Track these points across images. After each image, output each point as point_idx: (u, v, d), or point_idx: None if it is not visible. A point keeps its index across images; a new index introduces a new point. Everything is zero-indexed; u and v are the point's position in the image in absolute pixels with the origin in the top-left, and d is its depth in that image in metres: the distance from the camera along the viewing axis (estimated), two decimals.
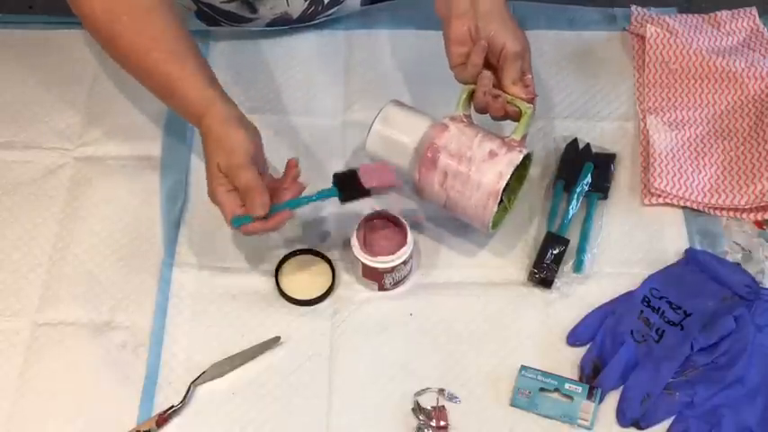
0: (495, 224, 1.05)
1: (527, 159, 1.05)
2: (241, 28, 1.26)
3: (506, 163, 1.00)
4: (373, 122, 1.06)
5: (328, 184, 1.14)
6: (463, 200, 1.02)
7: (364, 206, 1.08)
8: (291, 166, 1.01)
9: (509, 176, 0.99)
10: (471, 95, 1.04)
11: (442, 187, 1.02)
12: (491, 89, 1.02)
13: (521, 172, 1.06)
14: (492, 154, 1.00)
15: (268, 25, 1.26)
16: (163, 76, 1.01)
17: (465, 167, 1.00)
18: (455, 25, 1.04)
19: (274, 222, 0.96)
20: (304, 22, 1.26)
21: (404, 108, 1.07)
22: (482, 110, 1.04)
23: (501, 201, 1.03)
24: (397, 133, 1.05)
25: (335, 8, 1.26)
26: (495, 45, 1.02)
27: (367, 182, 1.00)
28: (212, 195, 0.97)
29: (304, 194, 1.00)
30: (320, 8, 1.25)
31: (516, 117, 1.03)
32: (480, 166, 1.00)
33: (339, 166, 1.15)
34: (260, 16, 1.25)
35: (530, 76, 1.04)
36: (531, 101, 1.03)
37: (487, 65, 1.04)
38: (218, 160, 0.96)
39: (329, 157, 1.16)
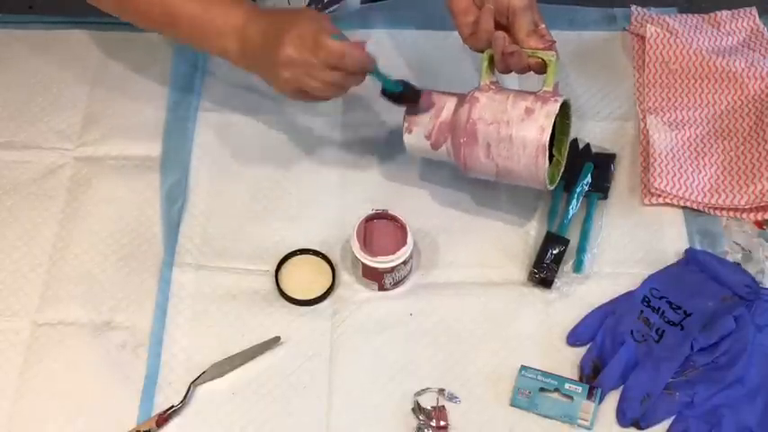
0: (552, 180, 1.05)
1: (566, 107, 1.04)
2: None
3: (545, 115, 0.99)
4: (403, 126, 1.06)
5: (327, 185, 1.14)
6: (513, 164, 1.01)
7: (364, 206, 1.08)
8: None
9: (551, 128, 0.98)
10: (492, 61, 1.04)
11: (489, 158, 1.02)
12: (507, 46, 1.01)
13: (564, 121, 1.06)
14: (528, 111, 1.00)
15: None
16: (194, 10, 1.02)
17: (505, 131, 1.00)
18: None
19: (366, 54, 0.98)
20: None
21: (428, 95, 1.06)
22: (505, 71, 1.04)
23: (552, 155, 1.03)
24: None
25: (335, 7, 1.26)
26: (500, 4, 1.02)
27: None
28: (303, 28, 0.96)
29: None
30: (320, 7, 1.25)
31: (541, 69, 1.02)
32: (519, 125, 0.99)
33: (339, 166, 1.15)
34: None
35: (543, 26, 1.03)
36: (550, 48, 1.02)
37: (499, 27, 1.03)
38: (309, 12, 0.97)
39: (329, 157, 1.16)
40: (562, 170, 1.07)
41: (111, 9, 1.08)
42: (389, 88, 1.02)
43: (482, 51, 1.04)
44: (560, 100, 1.00)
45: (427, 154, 1.07)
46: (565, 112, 1.05)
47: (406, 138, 1.06)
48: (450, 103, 1.04)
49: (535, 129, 0.99)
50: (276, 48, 0.97)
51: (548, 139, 0.98)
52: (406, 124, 1.05)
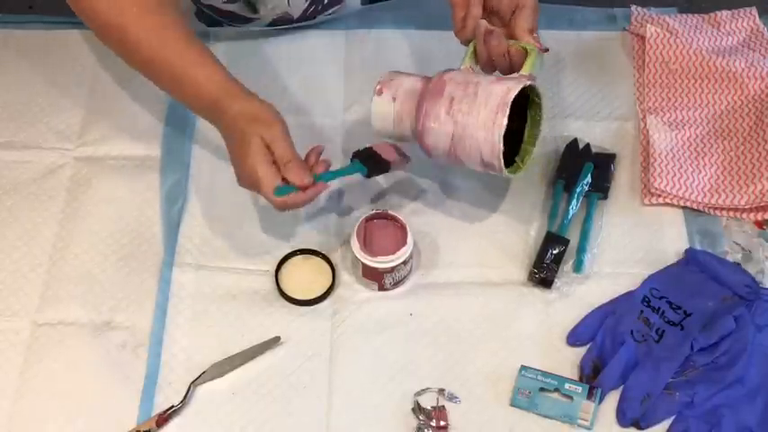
0: (516, 169, 1.04)
1: (539, 106, 1.04)
2: (241, 28, 1.26)
3: (515, 81, 0.99)
4: (374, 89, 1.05)
5: (327, 185, 1.14)
6: (471, 120, 0.98)
7: (364, 206, 1.08)
8: (315, 148, 1.03)
9: (517, 91, 0.97)
10: (476, 52, 1.04)
11: (449, 115, 1.00)
12: (489, 27, 1.02)
13: (532, 130, 1.06)
14: (499, 78, 1.01)
15: (269, 25, 1.26)
16: (177, 66, 1.01)
17: (472, 89, 0.99)
18: None
19: (312, 193, 0.98)
20: (304, 21, 1.26)
21: (401, 72, 1.07)
22: (487, 60, 1.04)
23: (513, 161, 1.03)
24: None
25: (336, 7, 1.26)
26: None
27: (385, 155, 1.03)
28: (251, 171, 0.97)
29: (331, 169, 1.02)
30: (320, 8, 1.25)
31: (521, 60, 1.02)
32: (487, 86, 0.99)
33: (339, 166, 1.15)
34: (261, 16, 1.25)
35: (537, 35, 1.04)
36: (540, 50, 1.03)
37: (500, 20, 1.04)
38: (260, 134, 0.97)
39: (329, 157, 1.15)
40: (528, 159, 1.05)
41: (104, 39, 1.06)
42: (358, 172, 1.03)
43: (468, 43, 1.05)
44: (532, 80, 1.00)
45: (389, 124, 1.05)
46: (536, 119, 1.05)
47: (376, 99, 1.04)
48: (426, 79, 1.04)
49: (502, 88, 0.98)
50: (234, 164, 1.00)
51: (512, 98, 0.97)
52: (378, 87, 1.05)
